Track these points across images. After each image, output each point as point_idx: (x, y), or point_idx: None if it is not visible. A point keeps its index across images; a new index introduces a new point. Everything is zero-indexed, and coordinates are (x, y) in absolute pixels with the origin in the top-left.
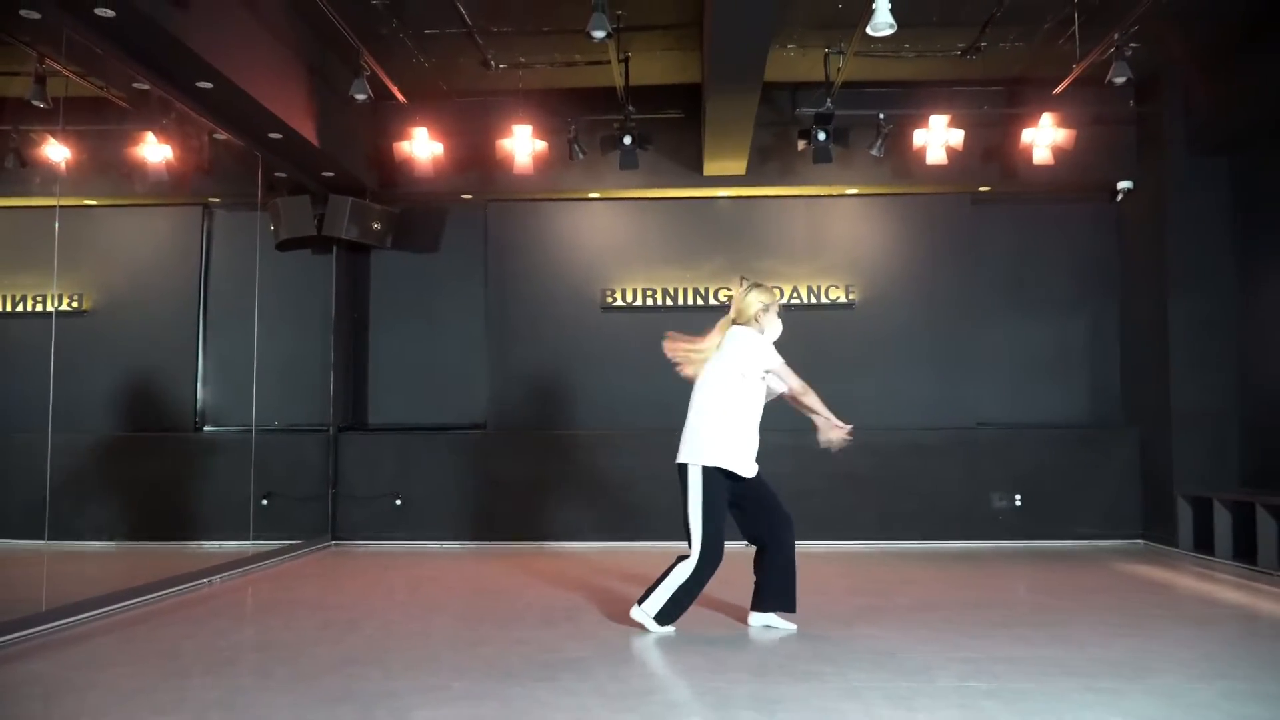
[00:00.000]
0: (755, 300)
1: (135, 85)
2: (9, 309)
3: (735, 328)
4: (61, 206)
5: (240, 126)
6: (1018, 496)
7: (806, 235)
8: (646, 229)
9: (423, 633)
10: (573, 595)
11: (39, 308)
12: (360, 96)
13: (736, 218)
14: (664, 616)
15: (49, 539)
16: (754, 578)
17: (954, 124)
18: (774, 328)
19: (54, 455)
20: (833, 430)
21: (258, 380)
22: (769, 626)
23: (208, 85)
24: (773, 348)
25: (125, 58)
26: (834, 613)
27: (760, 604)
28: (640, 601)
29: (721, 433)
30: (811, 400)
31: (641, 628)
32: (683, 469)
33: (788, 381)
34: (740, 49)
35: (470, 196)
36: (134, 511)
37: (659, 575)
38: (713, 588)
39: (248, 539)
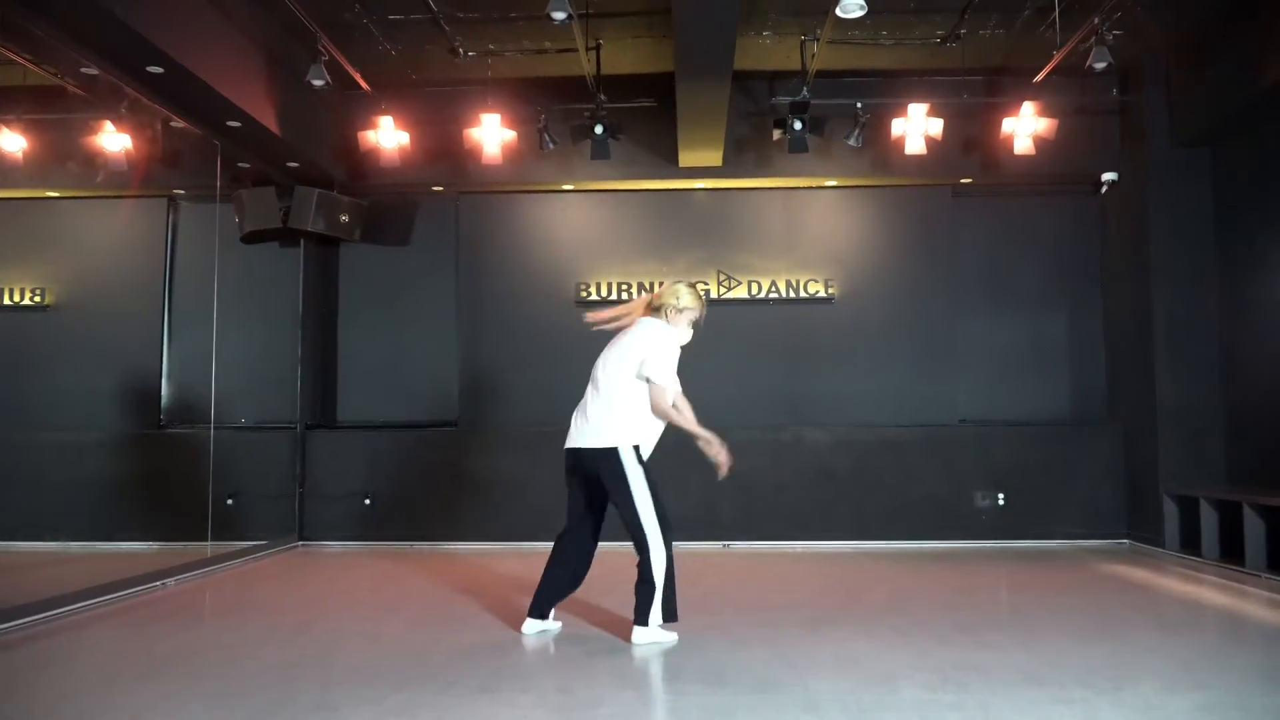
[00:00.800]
0: (678, 298)
1: (83, 70)
2: None
3: (646, 318)
4: (22, 199)
5: (196, 114)
6: (1000, 495)
7: (784, 228)
8: (621, 222)
9: (372, 637)
10: None
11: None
12: (317, 82)
13: (713, 210)
14: (667, 615)
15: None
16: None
17: (933, 113)
18: (681, 333)
19: (12, 453)
20: (716, 451)
21: (222, 377)
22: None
23: (158, 70)
24: (664, 358)
25: (70, 41)
26: (800, 616)
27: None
28: (638, 623)
29: (636, 412)
30: (681, 422)
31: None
32: (610, 454)
33: (655, 399)
34: (707, 35)
35: (441, 189)
36: (96, 511)
37: (638, 592)
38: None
39: (211, 540)
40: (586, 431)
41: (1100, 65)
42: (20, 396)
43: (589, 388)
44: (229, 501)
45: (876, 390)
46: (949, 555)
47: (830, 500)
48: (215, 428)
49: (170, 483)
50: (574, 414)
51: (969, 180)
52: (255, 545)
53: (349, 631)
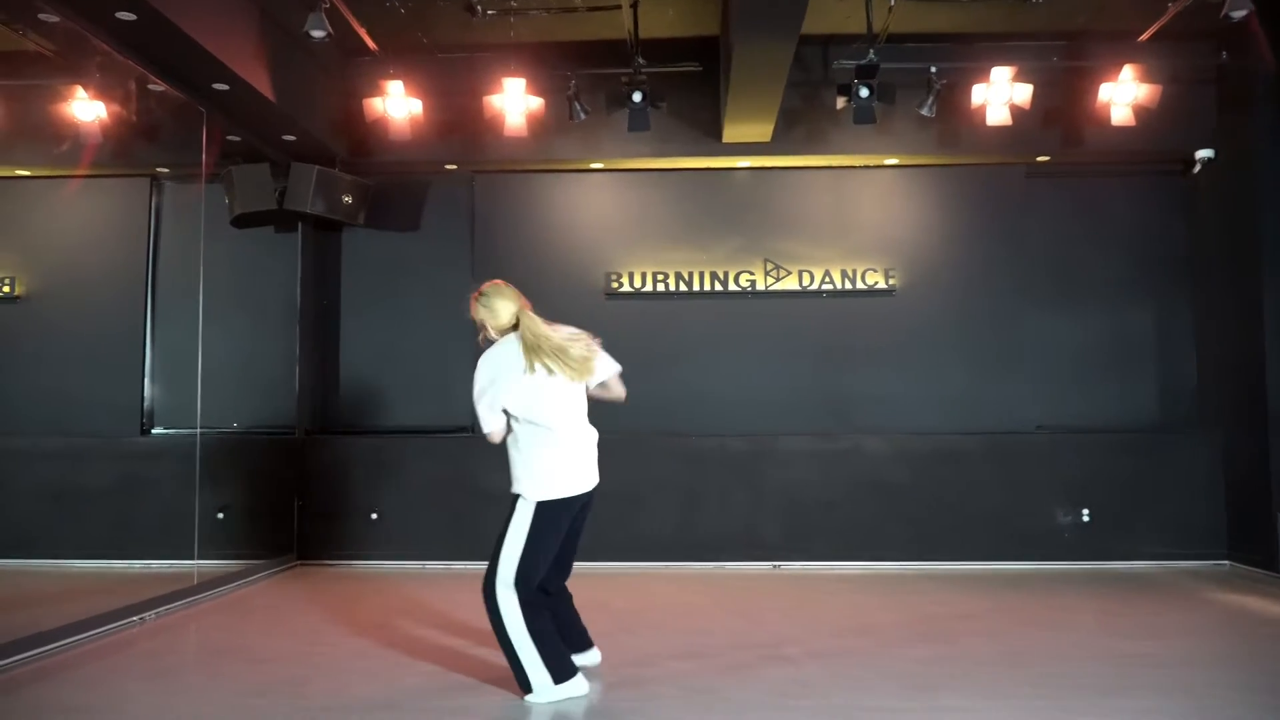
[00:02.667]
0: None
1: (41, 17)
2: None
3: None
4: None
5: (177, 74)
6: (1085, 511)
7: (837, 212)
8: (654, 204)
9: (388, 707)
10: None
11: None
12: (317, 33)
13: (757, 192)
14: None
15: None
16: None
17: (1019, 79)
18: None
19: None
20: None
21: (210, 376)
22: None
23: (129, 16)
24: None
25: None
26: (897, 671)
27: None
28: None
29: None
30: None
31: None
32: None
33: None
34: None
35: (455, 167)
36: (67, 526)
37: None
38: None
39: (199, 559)
40: (592, 471)
41: (1239, 14)
42: None
43: (574, 425)
44: (219, 515)
45: (940, 393)
46: (1025, 580)
47: (886, 516)
48: (203, 432)
49: (153, 494)
50: (559, 459)
51: (1046, 158)
52: (249, 566)
53: (357, 698)
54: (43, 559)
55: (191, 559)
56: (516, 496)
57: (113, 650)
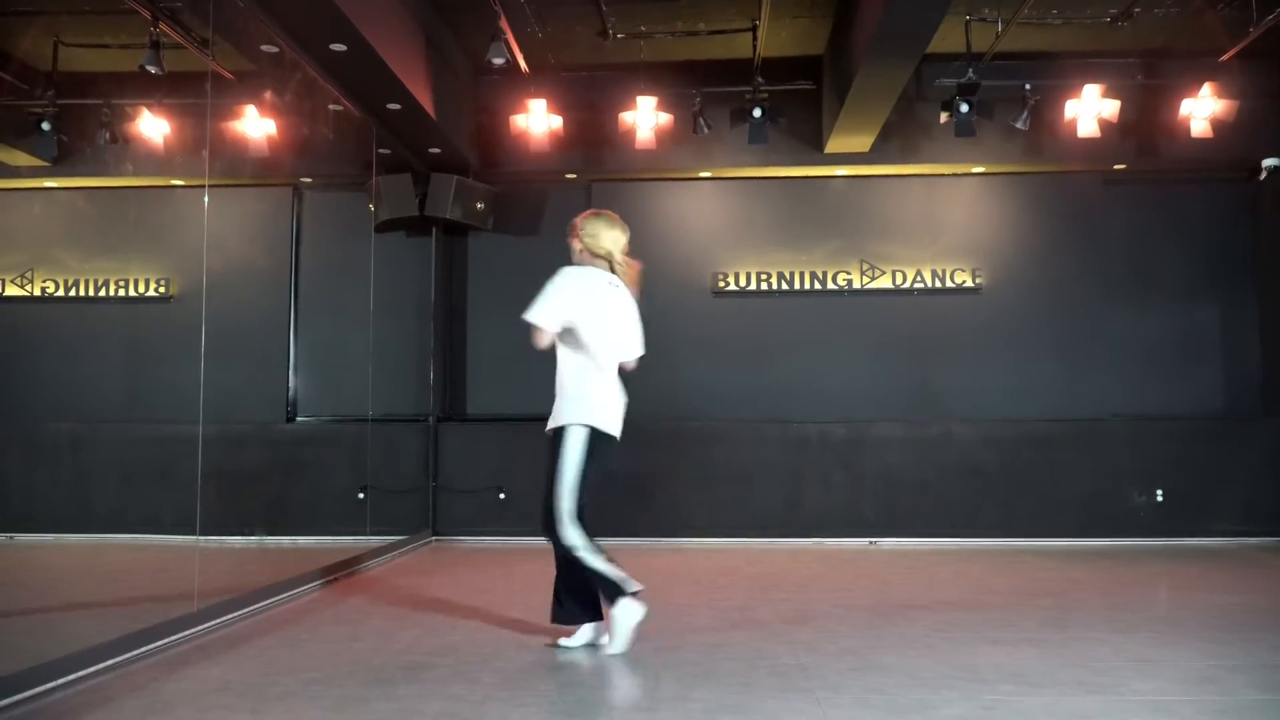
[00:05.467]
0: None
1: (264, 48)
2: (91, 294)
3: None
4: (150, 188)
5: (361, 95)
6: (1159, 491)
7: (927, 217)
8: (758, 210)
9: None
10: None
11: (121, 293)
12: (498, 60)
13: (853, 198)
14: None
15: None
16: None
17: (1107, 95)
18: (588, 274)
19: (138, 447)
20: None
21: (350, 369)
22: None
23: (341, 48)
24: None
25: (263, 16)
26: (911, 625)
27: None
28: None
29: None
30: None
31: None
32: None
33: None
34: (914, 10)
35: (574, 176)
36: (223, 506)
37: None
38: None
39: (351, 534)
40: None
41: None
42: (144, 389)
43: (615, 371)
44: (360, 495)
45: (1023, 383)
46: (1109, 554)
47: (976, 496)
48: (342, 420)
49: (299, 477)
50: (609, 395)
51: (1122, 166)
52: (393, 541)
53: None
54: (208, 535)
55: (352, 534)
56: (561, 430)
57: (305, 611)
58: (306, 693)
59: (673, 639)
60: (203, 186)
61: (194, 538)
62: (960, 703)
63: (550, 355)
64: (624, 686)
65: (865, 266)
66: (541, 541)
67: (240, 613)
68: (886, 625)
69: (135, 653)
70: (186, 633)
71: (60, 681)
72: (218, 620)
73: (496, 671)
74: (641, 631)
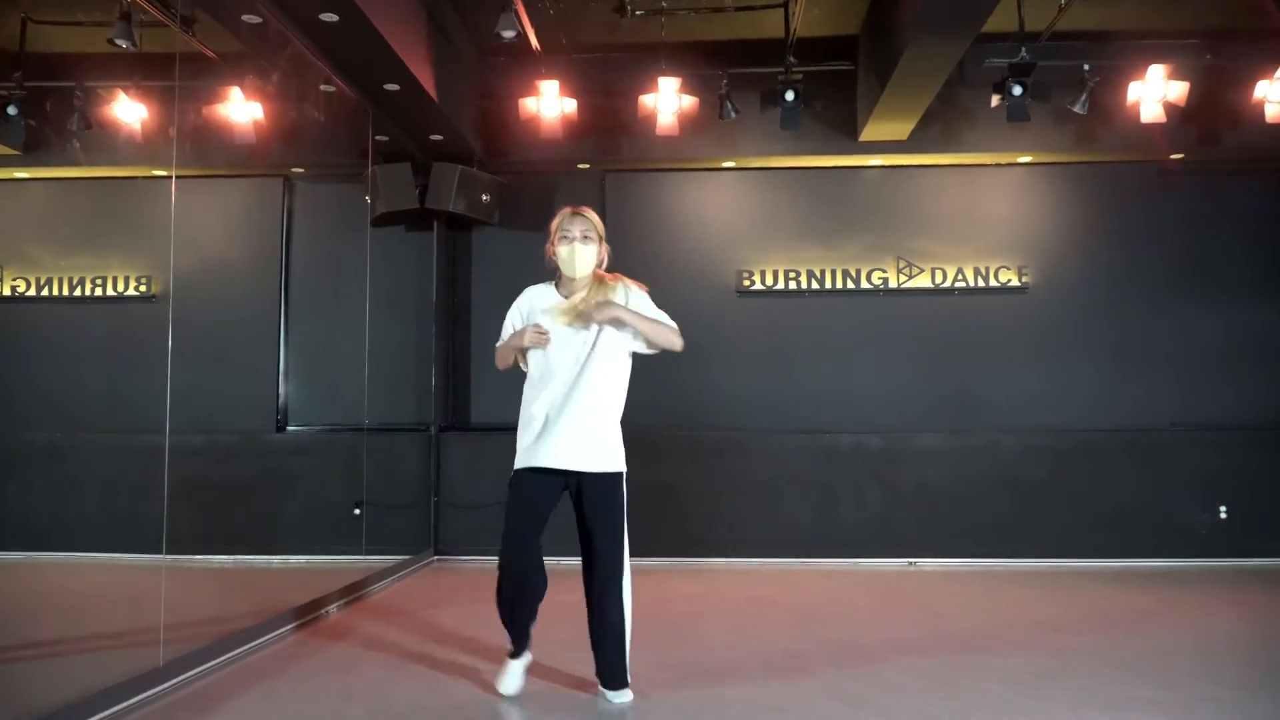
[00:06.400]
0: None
1: (245, 17)
2: (66, 293)
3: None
4: (130, 179)
5: (356, 74)
6: (1222, 508)
7: (968, 210)
8: (785, 203)
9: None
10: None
11: (99, 292)
12: (508, 33)
13: (887, 190)
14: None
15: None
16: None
17: (1173, 76)
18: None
19: (117, 457)
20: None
21: (348, 375)
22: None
23: (332, 18)
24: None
25: None
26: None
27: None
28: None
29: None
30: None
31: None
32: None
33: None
34: None
35: (587, 166)
36: (205, 522)
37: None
38: None
39: (346, 554)
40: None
41: None
42: (125, 394)
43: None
44: (356, 511)
45: (1073, 390)
46: (1170, 576)
47: (1022, 512)
48: (336, 430)
49: (290, 491)
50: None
51: (1180, 156)
52: (395, 562)
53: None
54: (188, 555)
55: (330, 554)
56: (617, 475)
57: (310, 651)
58: None
59: (711, 695)
60: (183, 178)
61: (160, 565)
62: None
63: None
64: None
65: (902, 264)
66: (549, 561)
67: (216, 661)
68: (956, 675)
69: None
70: (150, 692)
71: None
72: (189, 674)
73: None
74: (673, 679)
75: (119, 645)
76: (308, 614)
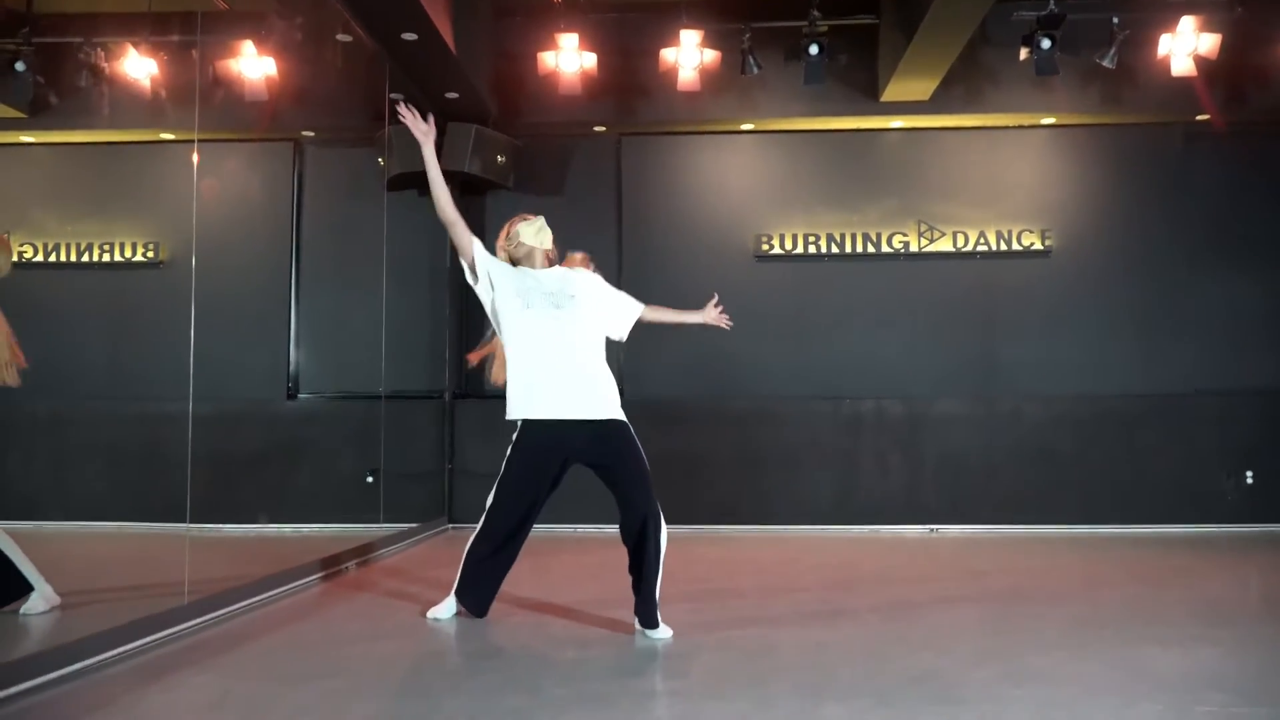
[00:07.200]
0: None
1: None
2: (73, 259)
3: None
4: (137, 143)
5: (373, 20)
6: (1249, 473)
7: (990, 173)
8: (804, 166)
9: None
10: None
11: (106, 258)
12: None
13: (908, 153)
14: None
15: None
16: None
17: (1204, 28)
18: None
19: (123, 426)
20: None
21: (361, 341)
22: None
23: None
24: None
25: None
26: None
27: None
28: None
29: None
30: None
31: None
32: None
33: None
34: None
35: (603, 129)
36: (217, 491)
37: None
38: None
39: (359, 522)
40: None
41: None
42: (131, 363)
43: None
44: (369, 479)
45: (1098, 356)
46: (1196, 542)
47: (1047, 480)
48: (348, 398)
49: (302, 459)
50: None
51: (1205, 117)
52: (408, 529)
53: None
54: (200, 523)
55: (343, 521)
56: (623, 421)
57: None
58: (326, 708)
59: (758, 636)
60: (200, 141)
61: (184, 525)
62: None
63: None
64: (734, 696)
65: (923, 228)
66: (569, 529)
67: (238, 606)
68: (1008, 622)
69: (110, 654)
70: (175, 628)
71: (7, 693)
72: (212, 615)
73: (562, 679)
74: (717, 627)
75: (142, 596)
76: (328, 568)
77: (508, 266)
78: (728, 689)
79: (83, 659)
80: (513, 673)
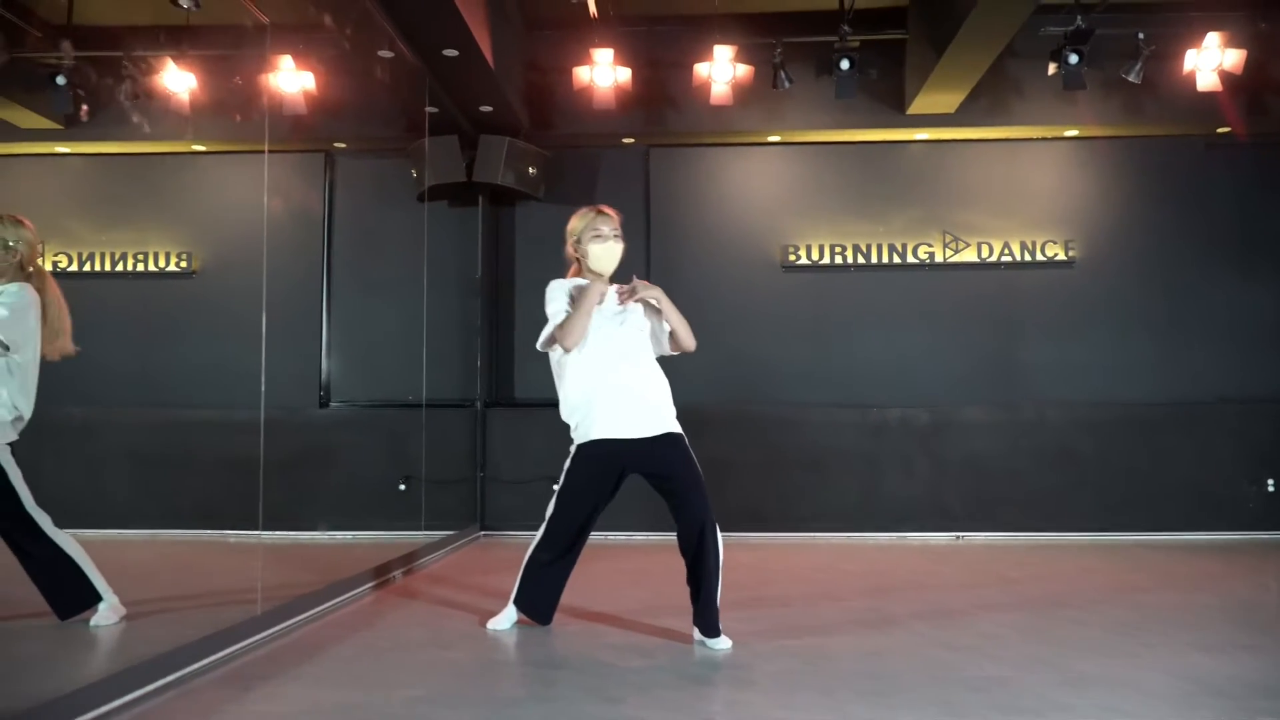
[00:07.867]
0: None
1: None
2: (106, 268)
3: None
4: (166, 154)
5: (417, 37)
6: (1270, 481)
7: (1013, 184)
8: (830, 177)
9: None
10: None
11: (139, 267)
12: None
13: (932, 164)
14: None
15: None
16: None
17: (1229, 44)
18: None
19: (158, 434)
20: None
21: (392, 350)
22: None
23: None
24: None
25: None
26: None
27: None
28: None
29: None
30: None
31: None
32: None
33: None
34: None
35: (631, 140)
36: (251, 499)
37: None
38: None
39: (393, 529)
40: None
41: None
42: (165, 371)
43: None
44: (401, 486)
45: (1121, 363)
46: (1222, 550)
47: (1071, 486)
48: (379, 406)
49: (334, 467)
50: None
51: (1227, 129)
52: (444, 538)
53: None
54: (233, 530)
55: (379, 529)
56: (679, 433)
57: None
58: (416, 718)
59: (812, 644)
60: (237, 153)
61: (255, 533)
62: None
63: None
64: (806, 705)
65: (948, 238)
66: (599, 536)
67: (303, 616)
68: (1049, 626)
69: (194, 666)
70: (251, 639)
71: (112, 706)
72: (282, 625)
73: (637, 688)
74: (769, 635)
75: (212, 604)
76: (380, 576)
77: (568, 292)
78: (798, 698)
79: (176, 669)
80: (585, 682)
